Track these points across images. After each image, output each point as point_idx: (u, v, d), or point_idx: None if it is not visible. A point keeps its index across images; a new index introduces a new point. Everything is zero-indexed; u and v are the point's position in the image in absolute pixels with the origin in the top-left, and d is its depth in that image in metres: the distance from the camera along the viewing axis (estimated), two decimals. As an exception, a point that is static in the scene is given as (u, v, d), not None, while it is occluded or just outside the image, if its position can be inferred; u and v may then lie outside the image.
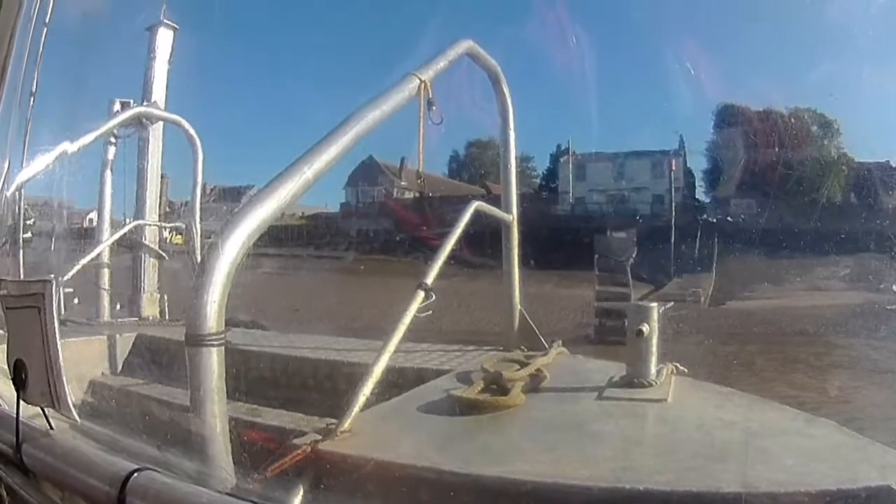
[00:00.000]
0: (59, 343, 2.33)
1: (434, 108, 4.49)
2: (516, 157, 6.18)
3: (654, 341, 4.32)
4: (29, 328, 2.44)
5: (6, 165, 3.95)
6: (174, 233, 11.38)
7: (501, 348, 6.00)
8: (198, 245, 9.68)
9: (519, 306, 5.97)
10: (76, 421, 2.40)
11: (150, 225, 10.38)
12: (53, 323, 2.32)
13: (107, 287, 9.88)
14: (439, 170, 32.86)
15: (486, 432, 3.66)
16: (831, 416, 3.70)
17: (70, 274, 8.43)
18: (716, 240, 20.31)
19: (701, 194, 30.84)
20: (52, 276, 2.54)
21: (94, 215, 13.39)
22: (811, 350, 11.81)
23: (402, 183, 38.39)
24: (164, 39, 10.84)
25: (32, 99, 4.40)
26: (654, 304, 4.47)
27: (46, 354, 2.35)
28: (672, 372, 4.42)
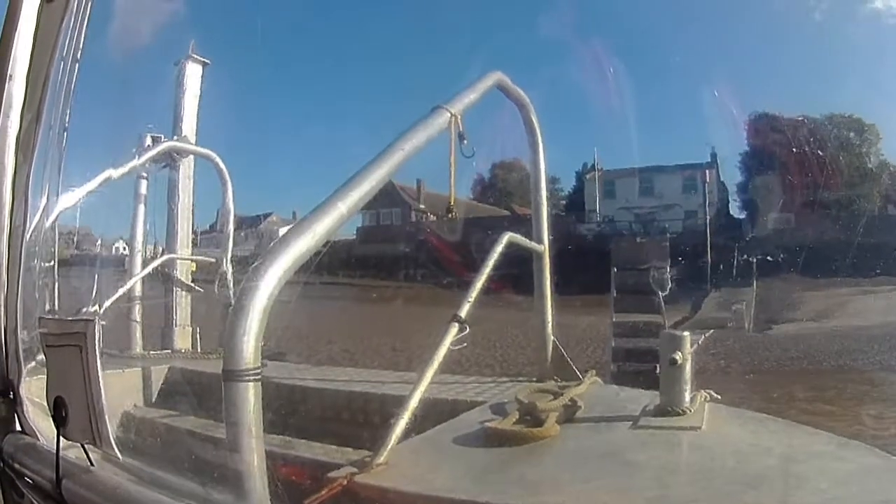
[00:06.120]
0: (101, 381, 2.36)
1: (465, 140, 4.47)
2: (546, 184, 6.18)
3: (688, 369, 4.29)
4: (69, 366, 2.46)
5: (44, 200, 4.02)
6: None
7: (535, 379, 5.98)
8: (230, 277, 9.76)
9: (552, 337, 5.94)
10: (118, 458, 2.43)
11: (181, 259, 10.47)
12: (96, 362, 2.34)
13: (138, 320, 9.96)
14: (463, 192, 32.69)
15: (521, 464, 3.66)
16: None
17: (105, 306, 8.50)
18: (755, 259, 19.91)
19: (735, 209, 30.58)
20: (95, 314, 2.58)
21: (120, 244, 13.54)
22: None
23: (421, 206, 38.41)
24: (194, 74, 10.99)
25: (65, 134, 4.48)
26: (687, 333, 4.44)
27: (88, 392, 2.38)
28: (705, 399, 4.39)
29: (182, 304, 10.48)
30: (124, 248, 11.87)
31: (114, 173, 8.66)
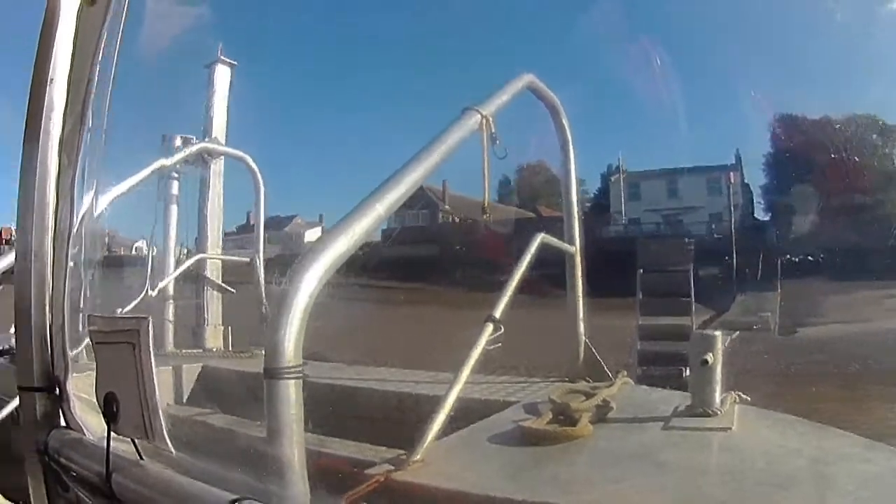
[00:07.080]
0: (155, 378, 2.41)
1: (497, 142, 4.48)
2: (577, 186, 6.21)
3: (718, 370, 4.31)
4: (120, 363, 2.51)
5: (87, 200, 4.11)
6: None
7: (567, 379, 6.00)
8: (262, 278, 9.85)
9: (584, 337, 5.97)
10: (171, 453, 2.47)
11: (213, 258, 10.55)
12: (150, 359, 2.38)
13: (171, 319, 10.05)
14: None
15: (554, 463, 3.70)
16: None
17: (134, 304, 8.56)
18: (780, 261, 19.68)
19: (760, 212, 30.33)
20: (147, 312, 2.63)
21: (140, 244, 13.62)
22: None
23: (447, 208, 38.32)
24: (223, 76, 11.09)
25: (104, 136, 4.57)
26: (718, 333, 4.45)
27: (140, 388, 2.42)
28: (735, 401, 4.41)
29: (213, 304, 10.57)
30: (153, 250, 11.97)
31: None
